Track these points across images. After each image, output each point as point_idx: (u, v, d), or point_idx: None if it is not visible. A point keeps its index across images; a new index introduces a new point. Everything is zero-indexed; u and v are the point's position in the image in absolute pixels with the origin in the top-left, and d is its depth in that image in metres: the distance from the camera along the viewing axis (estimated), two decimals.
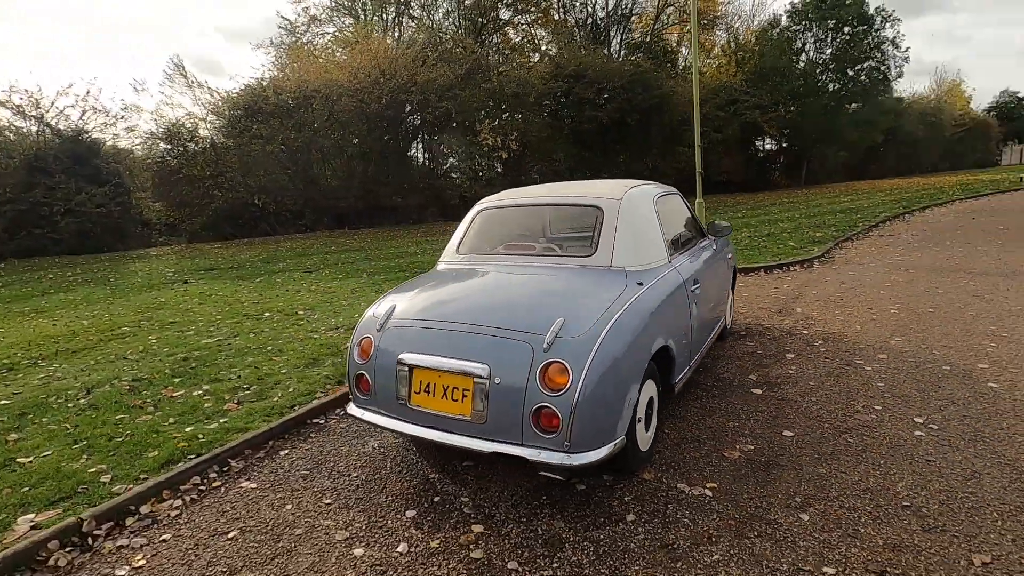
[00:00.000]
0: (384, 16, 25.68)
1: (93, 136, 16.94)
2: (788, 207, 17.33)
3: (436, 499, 2.67)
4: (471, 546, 2.30)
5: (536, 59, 27.48)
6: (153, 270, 11.78)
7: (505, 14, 27.86)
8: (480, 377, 2.44)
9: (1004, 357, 4.05)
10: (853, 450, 2.88)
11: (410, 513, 2.56)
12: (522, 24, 29.64)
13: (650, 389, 2.78)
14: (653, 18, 33.66)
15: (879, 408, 3.34)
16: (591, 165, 23.43)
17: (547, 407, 2.32)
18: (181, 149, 17.86)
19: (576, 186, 3.77)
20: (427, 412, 2.60)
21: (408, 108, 18.59)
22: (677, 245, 3.57)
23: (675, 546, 2.23)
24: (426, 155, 21.81)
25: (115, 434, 3.49)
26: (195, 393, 4.15)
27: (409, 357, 2.67)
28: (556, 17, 30.53)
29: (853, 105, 28.88)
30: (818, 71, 29.03)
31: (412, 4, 25.18)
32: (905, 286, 6.44)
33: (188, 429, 3.50)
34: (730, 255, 4.81)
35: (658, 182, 3.95)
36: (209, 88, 20.20)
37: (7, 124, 15.92)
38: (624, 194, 3.24)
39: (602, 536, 2.32)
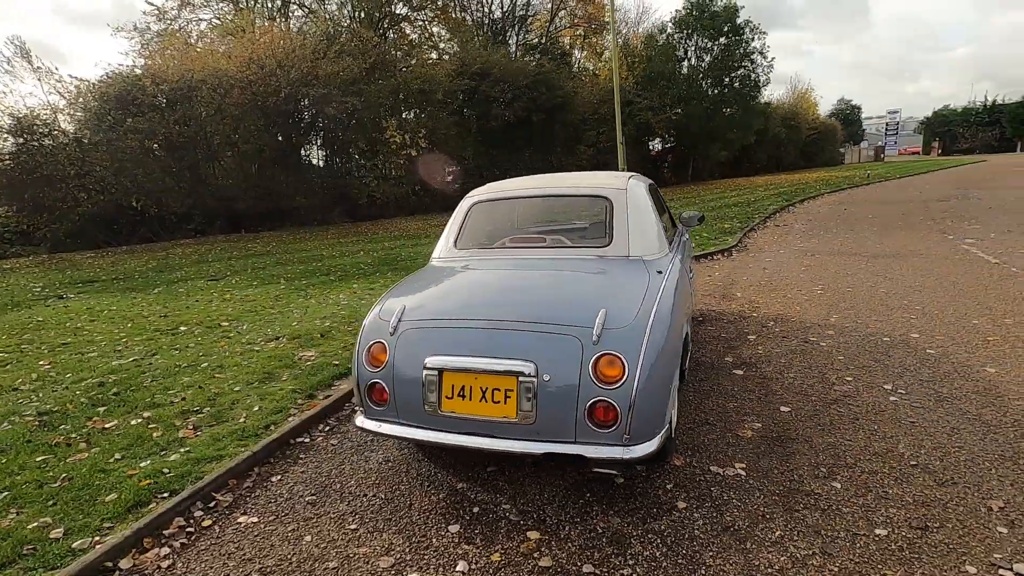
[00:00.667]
0: (268, 3, 24.02)
1: None
2: (686, 202, 18.58)
3: (475, 510, 2.49)
4: (535, 554, 2.17)
5: (435, 57, 27.16)
6: (14, 285, 10.06)
7: (401, 9, 27.19)
8: (526, 375, 2.31)
9: (926, 327, 4.60)
10: (847, 419, 3.11)
11: (453, 528, 2.37)
12: (419, 21, 29.11)
13: (676, 375, 2.80)
14: (548, 21, 34.61)
15: (851, 380, 3.64)
16: (498, 163, 23.58)
17: (604, 401, 2.24)
18: (36, 145, 15.40)
19: (569, 177, 3.72)
20: (463, 418, 2.41)
21: (308, 102, 17.49)
22: (668, 234, 3.65)
23: (736, 528, 2.26)
24: (330, 153, 20.70)
25: (45, 479, 2.90)
26: (133, 422, 3.58)
27: (437, 360, 2.46)
28: (455, 16, 30.36)
29: (729, 109, 31.59)
30: (700, 77, 31.43)
31: None
32: (818, 269, 7.14)
33: (144, 464, 3.00)
34: (691, 244, 5.03)
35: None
36: (70, 77, 17.70)
37: None
38: (627, 184, 3.24)
39: (662, 527, 2.29)
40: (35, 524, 2.49)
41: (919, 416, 3.09)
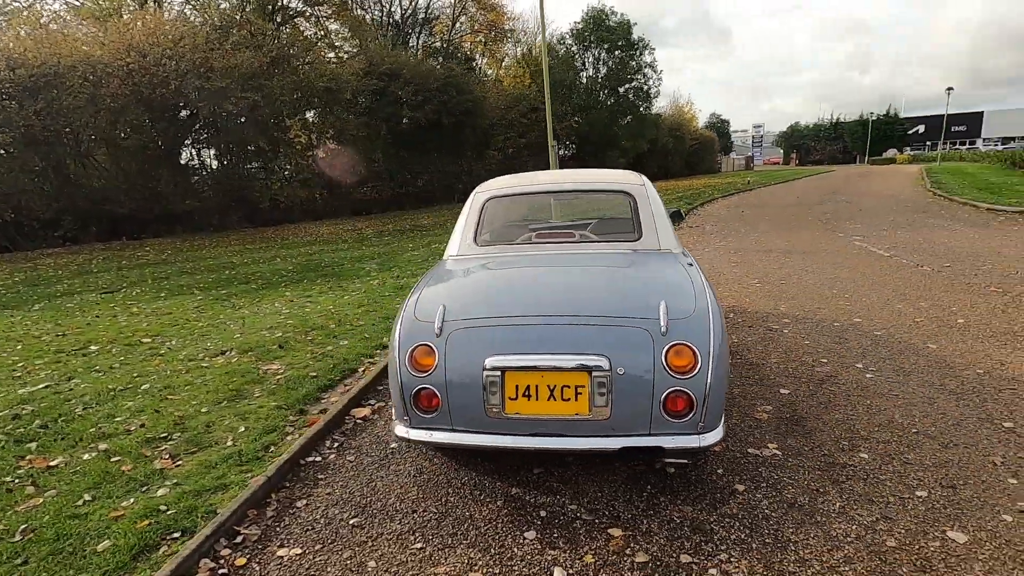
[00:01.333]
0: None
1: None
2: None
3: (543, 514, 2.39)
4: (626, 551, 2.13)
5: (333, 56, 26.00)
6: None
7: (295, 3, 25.78)
8: (600, 370, 2.26)
9: (863, 312, 5.16)
10: (841, 396, 3.40)
11: (530, 535, 2.26)
12: (313, 16, 27.74)
13: None
14: (449, 25, 34.55)
15: (826, 362, 3.99)
16: (409, 166, 23.11)
17: (680, 391, 2.25)
18: None
19: (583, 173, 3.70)
20: (530, 419, 2.31)
21: (201, 96, 15.96)
22: None
23: (799, 503, 2.37)
24: (226, 153, 19.04)
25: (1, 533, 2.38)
26: (86, 456, 3.05)
27: (499, 360, 2.33)
28: (353, 13, 29.31)
29: (625, 118, 33.50)
30: (597, 87, 33.01)
31: None
32: (747, 265, 7.76)
33: (128, 503, 2.56)
34: None
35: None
36: None
37: None
38: (642, 180, 3.30)
39: (734, 510, 2.35)
40: None
41: (898, 389, 3.45)
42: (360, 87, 20.23)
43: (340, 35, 29.17)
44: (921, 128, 63.99)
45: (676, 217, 4.57)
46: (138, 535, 2.29)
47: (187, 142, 18.38)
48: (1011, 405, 3.16)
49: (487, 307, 2.57)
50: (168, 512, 2.45)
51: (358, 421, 3.39)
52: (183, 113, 16.98)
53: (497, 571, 2.07)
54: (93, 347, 5.33)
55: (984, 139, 62.11)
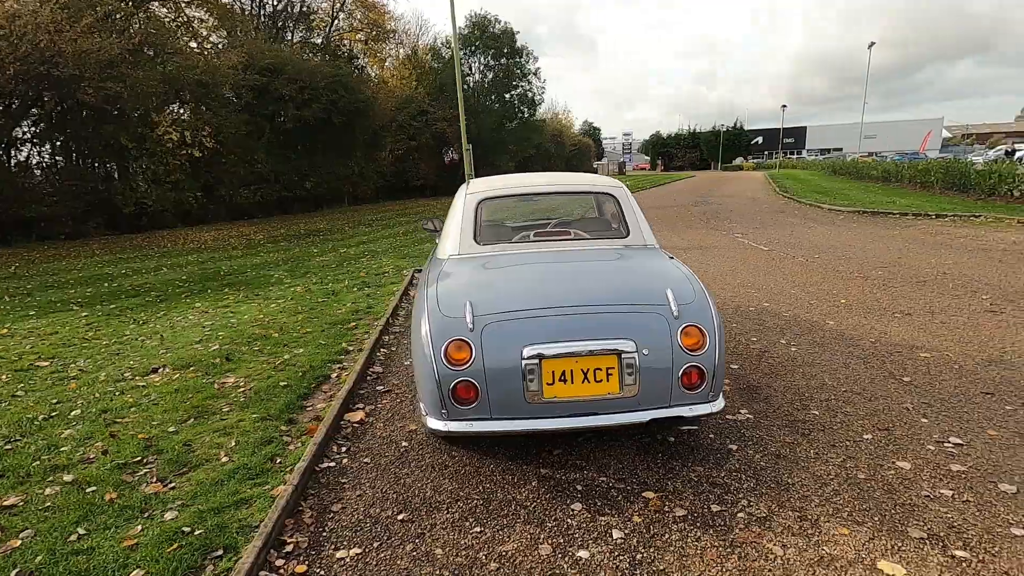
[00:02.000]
0: None
1: None
2: None
3: (579, 487, 2.60)
4: (666, 508, 2.41)
5: (195, 46, 23.80)
6: None
7: None
8: (628, 352, 2.53)
9: (767, 297, 5.99)
10: (779, 367, 3.99)
11: (576, 506, 2.46)
12: (171, 0, 25.21)
13: None
14: (328, 21, 33.16)
15: (756, 339, 4.63)
16: (297, 167, 21.91)
17: (694, 366, 2.59)
18: None
19: (565, 176, 3.92)
20: (566, 401, 2.52)
21: (49, 85, 13.86)
22: None
23: (783, 454, 2.82)
24: (81, 150, 16.70)
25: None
26: (48, 491, 2.73)
27: (536, 348, 2.51)
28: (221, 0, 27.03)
29: (511, 123, 34.47)
30: (484, 92, 33.61)
31: None
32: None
33: (137, 531, 2.36)
34: None
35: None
36: None
37: None
38: (619, 184, 3.63)
39: (736, 466, 2.74)
40: None
41: (819, 359, 4.13)
42: (240, 82, 18.81)
43: (206, 24, 26.77)
44: (760, 139, 73.16)
45: None
46: (172, 559, 2.14)
47: (29, 138, 15.87)
48: (903, 364, 3.94)
49: (515, 301, 2.72)
50: (195, 533, 2.30)
51: (355, 425, 3.35)
52: (28, 103, 14.64)
53: (562, 540, 2.24)
54: None
55: (808, 149, 72.58)
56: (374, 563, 2.17)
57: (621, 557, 2.13)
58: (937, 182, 17.19)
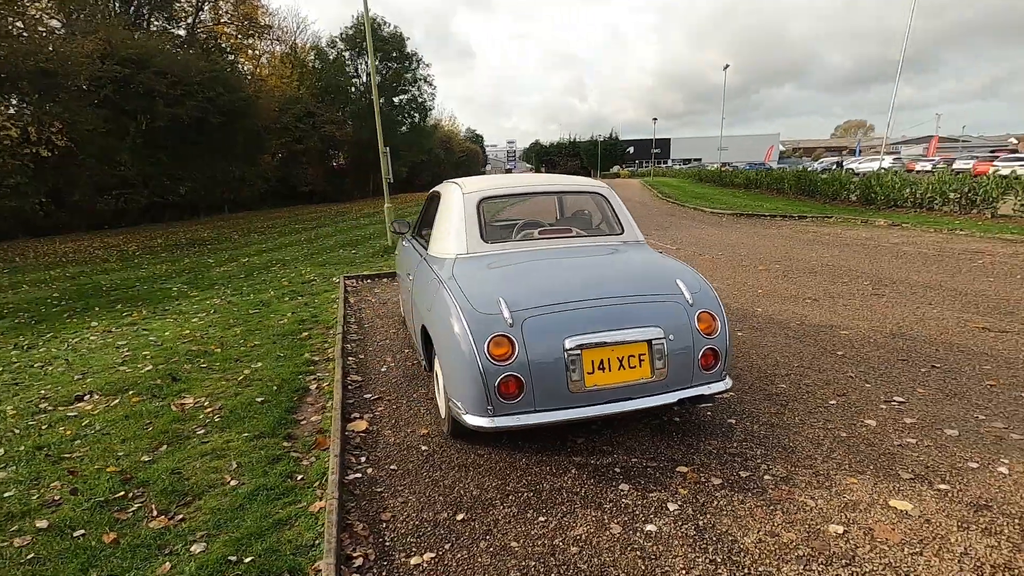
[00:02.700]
0: None
1: None
2: (413, 214, 19.42)
3: (617, 470, 2.74)
4: (702, 479, 2.63)
5: (21, 26, 20.59)
6: None
7: None
8: (657, 339, 2.72)
9: (723, 294, 6.55)
10: (737, 349, 4.44)
11: (624, 487, 2.59)
12: None
13: None
14: (192, 12, 30.36)
15: (740, 334, 5.06)
16: (170, 170, 19.79)
17: (710, 348, 2.85)
18: None
19: (555, 177, 3.99)
20: (605, 388, 2.65)
21: None
22: None
23: (775, 423, 3.18)
24: None
25: None
26: (19, 542, 2.34)
27: (576, 340, 2.62)
28: None
29: (402, 128, 33.93)
30: (370, 96, 32.74)
31: None
32: None
33: (170, 567, 2.11)
34: None
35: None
36: None
37: None
38: (606, 184, 3.82)
39: (741, 436, 3.03)
40: None
41: (765, 340, 4.66)
42: (97, 73, 16.61)
43: (38, 4, 23.23)
44: (632, 149, 78.85)
45: None
46: None
47: None
48: (831, 341, 4.58)
49: (548, 295, 2.79)
50: (246, 560, 2.10)
51: (361, 434, 3.20)
52: None
53: (626, 518, 2.36)
54: None
55: (673, 159, 79.53)
56: (454, 564, 2.13)
57: (686, 526, 2.30)
58: (790, 188, 19.78)
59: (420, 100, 34.13)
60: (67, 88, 16.08)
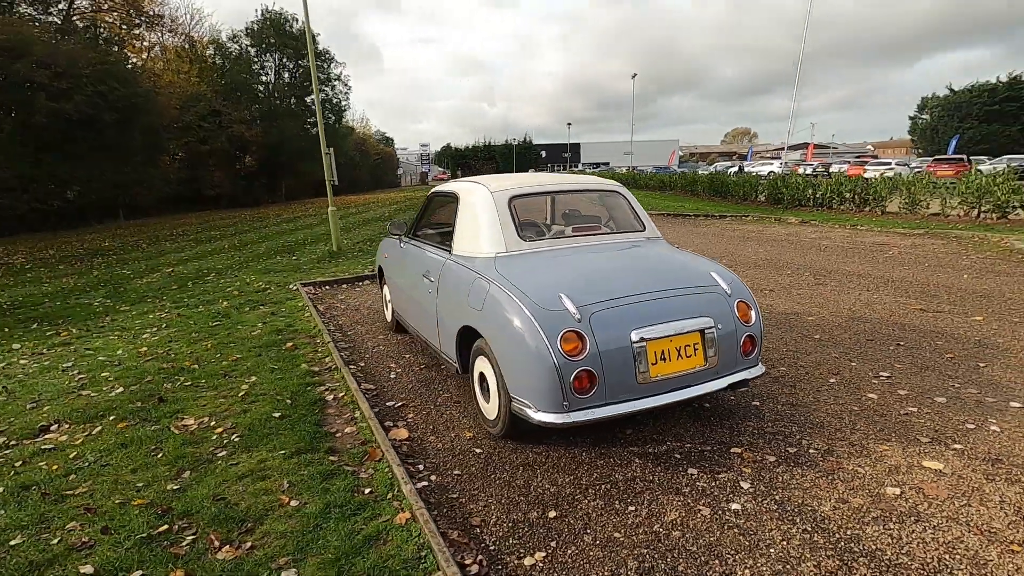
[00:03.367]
0: None
1: None
2: (347, 218, 18.60)
3: (677, 456, 2.84)
4: (758, 457, 2.79)
5: None
6: None
7: None
8: (708, 328, 2.87)
9: None
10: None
11: (692, 471, 2.69)
12: None
13: None
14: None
15: None
16: (56, 173, 17.63)
17: (749, 335, 3.04)
18: None
19: (572, 177, 4.01)
20: (667, 378, 2.76)
21: None
22: None
23: (793, 402, 3.44)
24: None
25: None
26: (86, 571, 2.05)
27: (641, 332, 2.70)
28: None
29: (316, 129, 32.44)
30: (283, 94, 31.07)
31: None
32: None
33: None
34: None
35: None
36: None
37: None
38: (620, 184, 3.93)
39: (773, 417, 3.26)
40: None
41: (808, 336, 4.99)
42: None
43: None
44: (544, 153, 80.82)
45: None
46: None
47: None
48: (805, 326, 5.01)
49: (609, 290, 2.84)
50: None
51: (406, 443, 3.07)
52: None
53: (710, 500, 2.47)
54: None
55: (583, 163, 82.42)
56: (569, 559, 2.12)
57: (766, 501, 2.44)
58: (704, 190, 21.24)
59: (335, 101, 32.85)
60: None
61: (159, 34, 30.22)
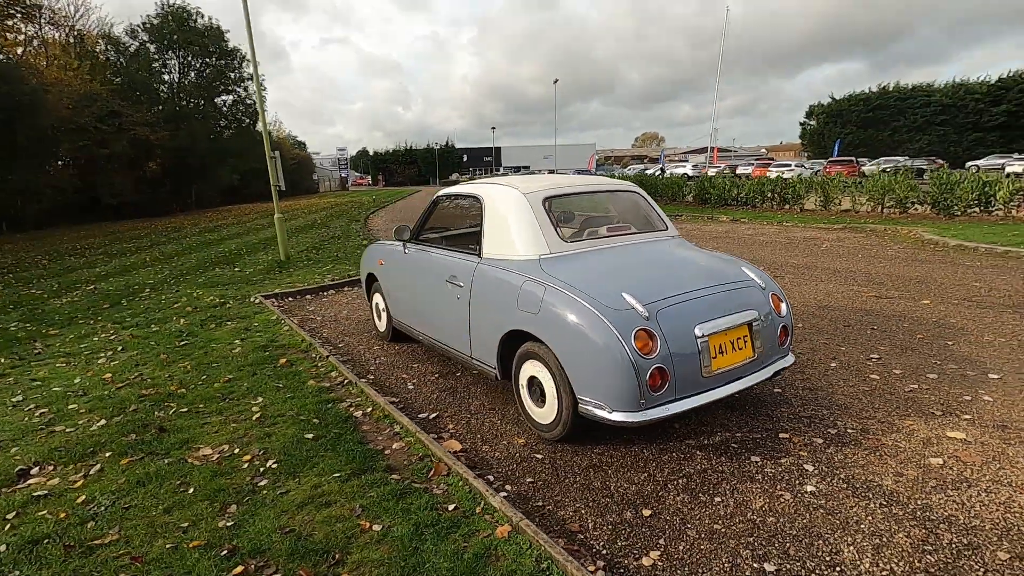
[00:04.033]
0: None
1: None
2: (260, 229, 17.55)
3: (735, 445, 2.94)
4: (805, 442, 2.95)
5: None
6: None
7: None
8: (755, 320, 3.00)
9: None
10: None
11: (755, 458, 2.80)
12: None
13: None
14: None
15: None
16: None
17: (784, 326, 3.21)
18: None
19: (591, 178, 4.01)
20: (725, 371, 2.86)
21: None
22: None
23: (809, 386, 3.67)
24: None
25: None
26: None
27: (704, 327, 2.78)
28: None
29: (230, 131, 30.46)
30: (189, 94, 28.88)
31: None
32: None
33: None
34: None
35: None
36: None
37: None
38: (635, 184, 4.01)
39: (799, 401, 3.45)
40: None
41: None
42: None
43: None
44: (465, 156, 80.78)
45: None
46: None
47: None
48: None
49: (666, 287, 2.89)
50: None
51: (462, 454, 2.95)
52: None
53: (784, 484, 2.57)
54: None
55: (505, 167, 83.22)
56: (684, 555, 2.14)
57: (835, 481, 2.59)
58: None
59: (248, 102, 30.96)
60: None
61: (37, 26, 27.14)
